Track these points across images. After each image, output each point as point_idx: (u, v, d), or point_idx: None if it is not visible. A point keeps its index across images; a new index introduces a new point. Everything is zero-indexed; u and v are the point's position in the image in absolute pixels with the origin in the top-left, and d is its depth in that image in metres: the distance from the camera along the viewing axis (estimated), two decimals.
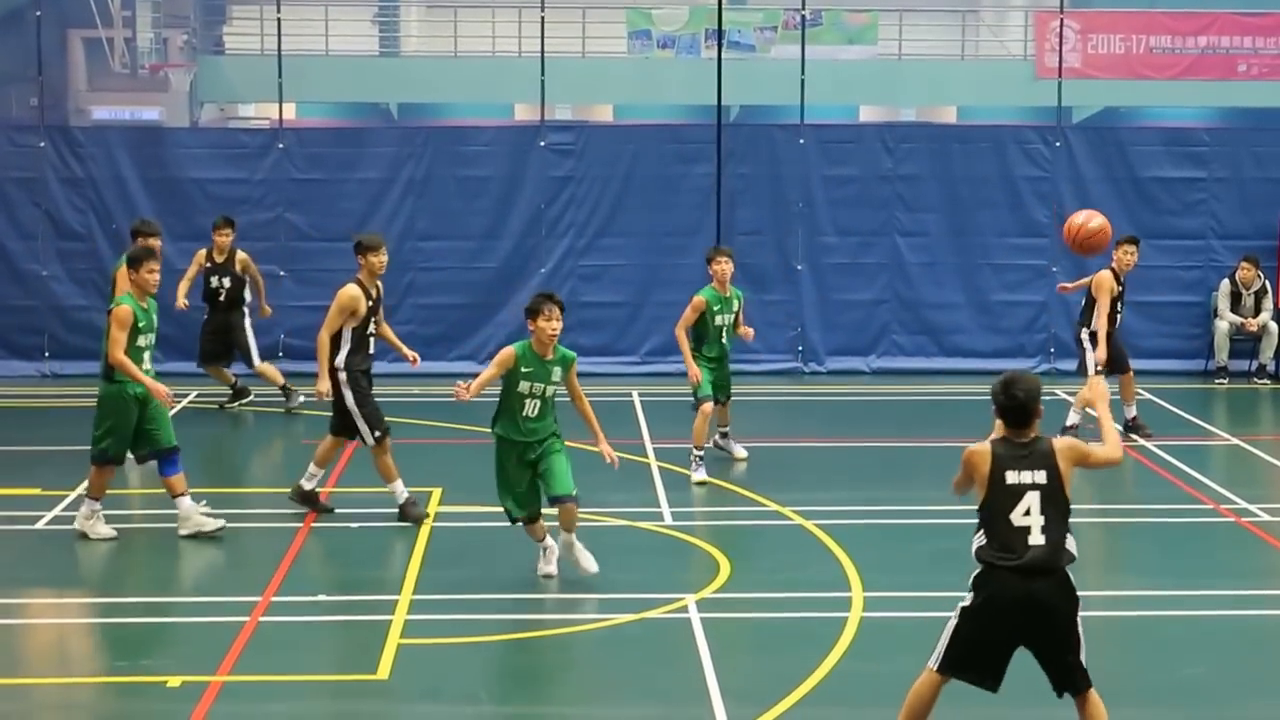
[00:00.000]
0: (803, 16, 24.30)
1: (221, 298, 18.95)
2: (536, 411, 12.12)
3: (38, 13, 22.39)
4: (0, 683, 10.70)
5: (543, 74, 22.14)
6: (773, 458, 16.94)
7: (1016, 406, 8.22)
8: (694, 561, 13.15)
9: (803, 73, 22.13)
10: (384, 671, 10.65)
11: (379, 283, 14.26)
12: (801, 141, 21.79)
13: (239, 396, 19.19)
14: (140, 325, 13.20)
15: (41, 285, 20.76)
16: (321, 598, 12.12)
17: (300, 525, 13.98)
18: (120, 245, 20.95)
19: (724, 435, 16.71)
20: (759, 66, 29.78)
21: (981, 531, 8.19)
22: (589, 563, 12.14)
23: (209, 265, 18.95)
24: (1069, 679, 8.19)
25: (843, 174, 21.73)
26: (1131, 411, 17.67)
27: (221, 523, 13.44)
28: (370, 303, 13.91)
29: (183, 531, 13.38)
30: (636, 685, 10.64)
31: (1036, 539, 8.05)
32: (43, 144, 21.36)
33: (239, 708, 10.07)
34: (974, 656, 8.19)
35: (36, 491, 15.17)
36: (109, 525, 13.40)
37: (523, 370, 12.08)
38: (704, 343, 16.03)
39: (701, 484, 15.57)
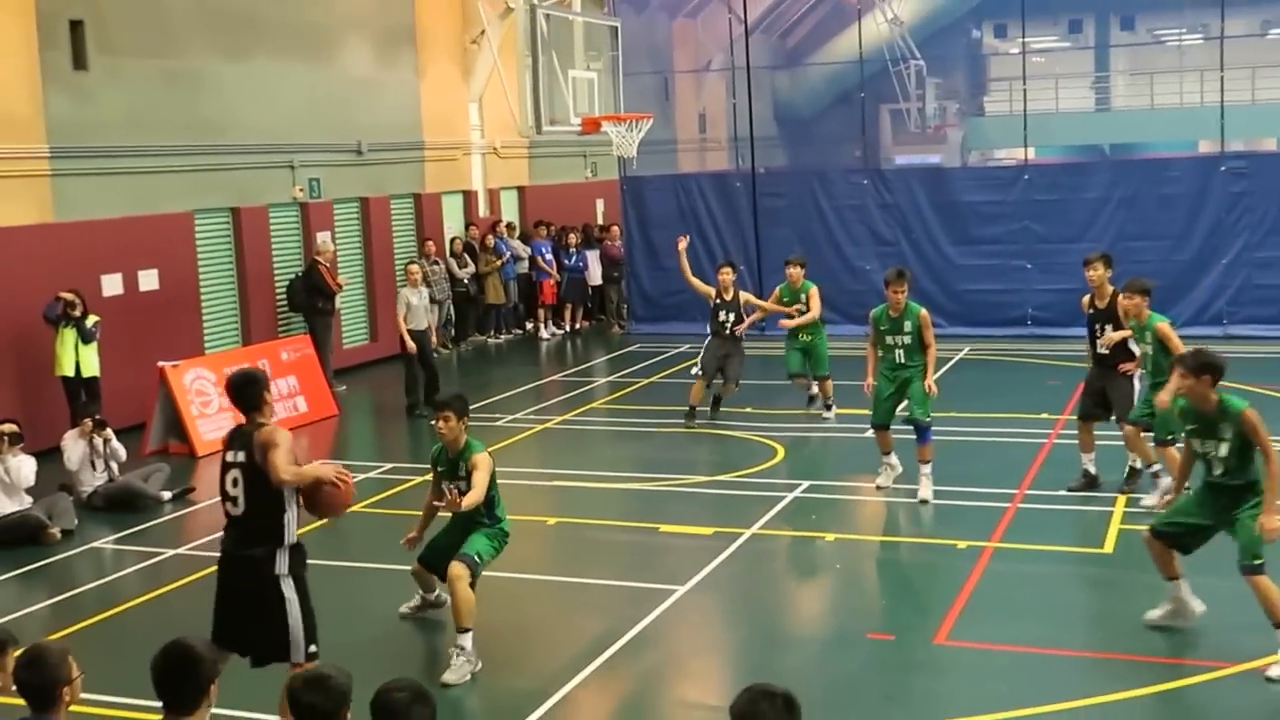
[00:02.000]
0: None
1: (727, 330, 15.13)
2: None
3: (861, 94, 22.87)
4: (830, 538, 10.96)
5: (1222, 118, 20.52)
6: None
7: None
8: None
9: None
10: (1109, 547, 10.22)
11: (1109, 290, 11.58)
12: None
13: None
14: (881, 329, 11.79)
15: (865, 276, 21.12)
16: (1063, 491, 11.64)
17: (1045, 441, 13.60)
18: (916, 250, 21.18)
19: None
20: None
21: None
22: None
23: (718, 300, 15.21)
24: None
25: None
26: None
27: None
28: (1090, 310, 11.76)
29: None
30: None
31: None
32: (865, 182, 21.76)
33: (1006, 566, 9.93)
34: None
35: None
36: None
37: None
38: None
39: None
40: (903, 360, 11.80)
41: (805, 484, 12.44)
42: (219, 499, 7.27)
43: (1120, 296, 11.19)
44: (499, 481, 8.64)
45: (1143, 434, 10.94)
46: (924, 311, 11.89)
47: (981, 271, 20.87)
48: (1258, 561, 7.92)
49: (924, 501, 11.65)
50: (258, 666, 7.22)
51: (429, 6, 22.28)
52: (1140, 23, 38.36)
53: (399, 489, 12.84)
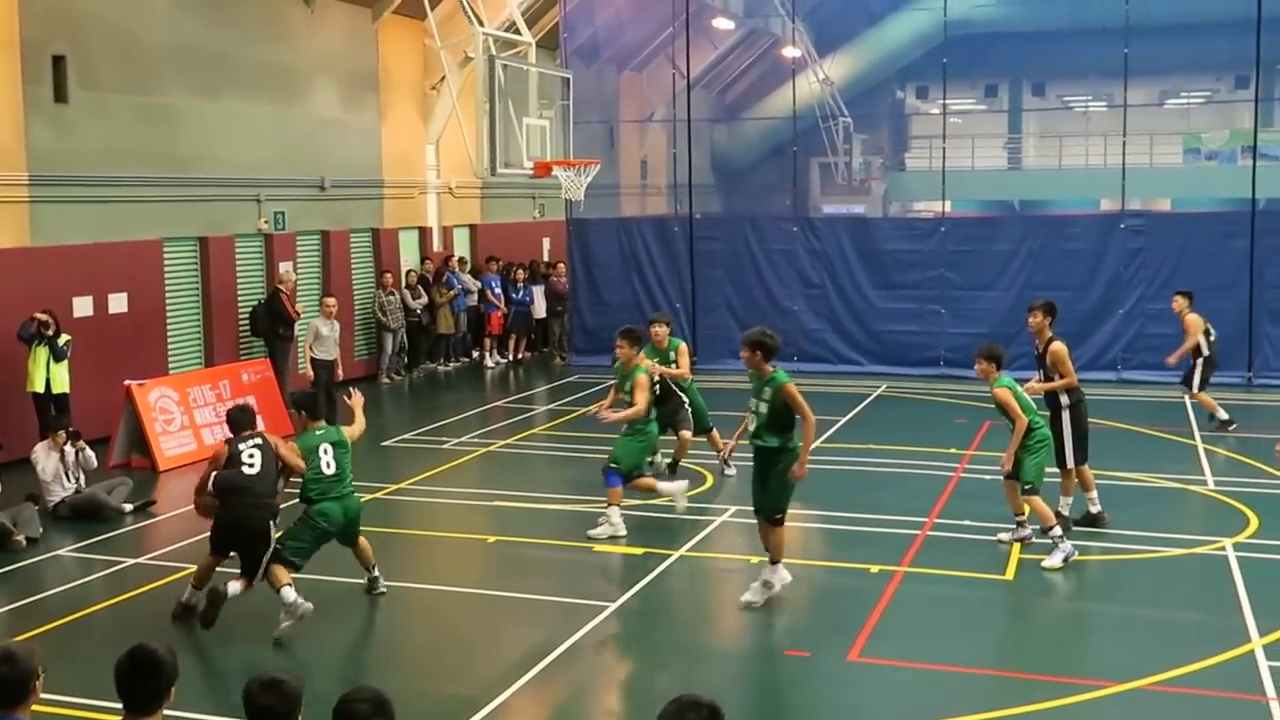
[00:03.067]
0: None
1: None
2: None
3: (793, 148, 23.14)
4: (753, 560, 11.05)
5: (1123, 179, 20.97)
6: None
7: None
8: (1230, 516, 12.10)
9: None
10: (1010, 574, 10.38)
11: (1048, 336, 11.62)
12: None
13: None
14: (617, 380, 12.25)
15: (793, 316, 21.37)
16: (967, 521, 11.80)
17: (953, 474, 13.79)
18: (840, 293, 21.42)
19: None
20: None
21: None
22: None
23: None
24: None
25: None
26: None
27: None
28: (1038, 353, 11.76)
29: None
30: (1183, 598, 9.90)
31: None
32: (795, 229, 22.01)
33: (915, 589, 10.04)
34: None
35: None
36: None
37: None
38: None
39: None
40: None
41: (732, 509, 12.53)
42: (180, 511, 7.26)
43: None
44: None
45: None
46: (642, 375, 11.85)
47: (900, 315, 21.19)
48: (779, 515, 9.53)
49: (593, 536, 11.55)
50: None
51: (392, 53, 22.32)
52: (1050, 89, 39.04)
53: None
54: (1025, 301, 20.31)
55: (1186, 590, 10.05)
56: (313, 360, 16.38)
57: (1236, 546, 10.95)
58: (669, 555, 10.96)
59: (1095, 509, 11.63)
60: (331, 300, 17.05)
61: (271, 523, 9.25)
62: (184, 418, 15.50)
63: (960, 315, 20.71)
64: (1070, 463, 11.49)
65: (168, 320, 17.53)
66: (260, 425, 9.65)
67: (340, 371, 17.00)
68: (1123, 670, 8.24)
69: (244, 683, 4.44)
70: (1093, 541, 11.13)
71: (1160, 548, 11.04)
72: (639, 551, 11.13)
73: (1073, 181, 32.57)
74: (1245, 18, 19.70)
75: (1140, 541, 11.22)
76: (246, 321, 18.73)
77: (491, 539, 11.70)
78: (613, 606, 9.66)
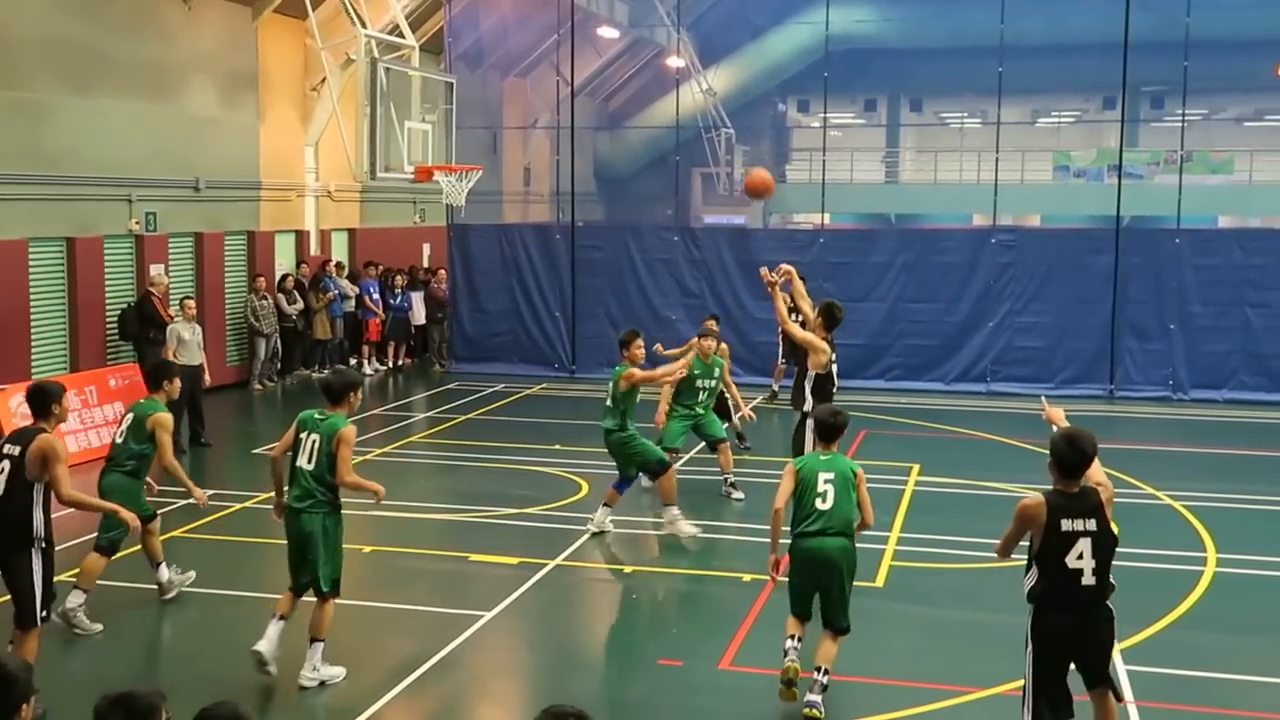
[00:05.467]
0: (1180, 155, 22.95)
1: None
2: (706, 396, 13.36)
3: (677, 158, 23.34)
4: (627, 569, 11.10)
5: (995, 195, 21.58)
6: (1149, 458, 15.93)
7: (1078, 461, 6.55)
8: None
9: (1179, 193, 20.77)
10: (880, 581, 10.59)
11: None
12: (1177, 241, 20.42)
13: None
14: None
15: (671, 325, 21.50)
16: None
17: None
18: (719, 302, 21.62)
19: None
20: (1147, 190, 28.12)
21: (1035, 573, 6.62)
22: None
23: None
24: (1100, 681, 6.59)
25: (1207, 263, 20.20)
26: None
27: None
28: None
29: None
30: None
31: (1088, 580, 6.49)
32: (676, 238, 22.18)
33: (786, 598, 10.14)
34: (1054, 691, 6.43)
35: None
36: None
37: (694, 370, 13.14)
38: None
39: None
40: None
41: (607, 518, 12.58)
42: None
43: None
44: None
45: None
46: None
47: (776, 325, 21.40)
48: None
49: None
50: None
51: (272, 53, 21.97)
52: (928, 105, 40.00)
53: (222, 514, 12.54)
54: (899, 313, 21.06)
55: None
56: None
57: None
58: (544, 565, 10.97)
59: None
60: (191, 302, 16.59)
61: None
62: None
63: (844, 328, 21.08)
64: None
65: (32, 323, 16.99)
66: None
67: (208, 378, 16.57)
68: (985, 676, 8.47)
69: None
70: (957, 550, 11.42)
71: (1023, 556, 11.36)
72: (514, 561, 11.12)
73: (947, 196, 33.35)
74: (1113, 41, 20.43)
75: None
76: (114, 325, 18.25)
77: (367, 549, 11.58)
78: (488, 616, 9.64)
